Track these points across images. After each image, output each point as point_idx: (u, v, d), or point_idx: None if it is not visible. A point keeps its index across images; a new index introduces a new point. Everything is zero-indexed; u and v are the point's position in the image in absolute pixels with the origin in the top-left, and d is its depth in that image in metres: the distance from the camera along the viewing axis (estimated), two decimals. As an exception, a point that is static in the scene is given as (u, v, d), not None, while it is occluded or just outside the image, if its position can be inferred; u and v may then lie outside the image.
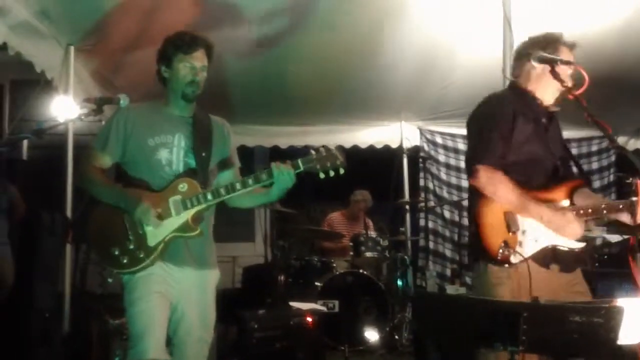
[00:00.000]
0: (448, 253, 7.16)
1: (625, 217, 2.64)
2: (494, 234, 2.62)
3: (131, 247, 2.66)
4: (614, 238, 4.51)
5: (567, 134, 7.47)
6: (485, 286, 2.67)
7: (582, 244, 2.68)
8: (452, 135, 7.30)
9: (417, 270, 6.83)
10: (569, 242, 2.66)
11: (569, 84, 2.70)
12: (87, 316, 4.25)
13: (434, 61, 5.27)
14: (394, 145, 7.31)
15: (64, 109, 4.41)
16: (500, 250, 2.56)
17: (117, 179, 2.86)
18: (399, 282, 5.97)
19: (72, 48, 4.54)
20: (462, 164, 7.12)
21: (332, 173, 2.63)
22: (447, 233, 7.20)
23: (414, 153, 7.20)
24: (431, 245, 7.05)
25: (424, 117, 7.02)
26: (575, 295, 2.63)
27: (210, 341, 2.83)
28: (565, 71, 2.74)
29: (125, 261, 2.65)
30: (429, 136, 7.28)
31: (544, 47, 2.77)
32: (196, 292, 2.77)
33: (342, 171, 2.64)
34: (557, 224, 2.60)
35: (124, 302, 2.68)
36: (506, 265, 2.58)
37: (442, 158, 7.30)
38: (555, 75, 2.54)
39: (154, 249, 2.66)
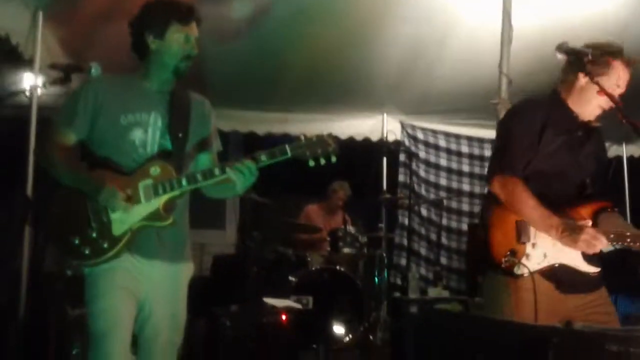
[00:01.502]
0: (423, 252, 6.99)
1: None
2: (502, 241, 2.50)
3: (94, 235, 2.38)
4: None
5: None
6: (489, 294, 2.59)
7: (596, 269, 2.52)
8: (434, 132, 7.11)
9: (393, 268, 6.66)
10: (581, 264, 2.50)
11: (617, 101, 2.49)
12: (45, 304, 3.93)
13: (422, 52, 5.06)
14: (375, 138, 7.06)
15: (29, 78, 4.07)
16: (505, 259, 2.44)
17: (82, 158, 2.55)
18: (376, 280, 5.77)
19: (40, 12, 4.18)
20: (442, 162, 7.08)
21: (323, 161, 2.41)
22: (423, 231, 7.02)
23: (394, 147, 6.97)
24: (409, 243, 6.87)
25: (407, 111, 6.79)
26: (593, 318, 2.43)
27: (180, 343, 2.57)
28: (614, 86, 2.53)
29: (86, 252, 2.37)
30: (410, 131, 7.07)
31: (594, 59, 2.50)
32: (167, 289, 2.50)
33: (334, 159, 2.42)
34: (573, 238, 2.41)
35: (85, 297, 2.40)
36: (509, 276, 2.45)
37: (422, 154, 7.08)
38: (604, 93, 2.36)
39: (119, 239, 2.38)
